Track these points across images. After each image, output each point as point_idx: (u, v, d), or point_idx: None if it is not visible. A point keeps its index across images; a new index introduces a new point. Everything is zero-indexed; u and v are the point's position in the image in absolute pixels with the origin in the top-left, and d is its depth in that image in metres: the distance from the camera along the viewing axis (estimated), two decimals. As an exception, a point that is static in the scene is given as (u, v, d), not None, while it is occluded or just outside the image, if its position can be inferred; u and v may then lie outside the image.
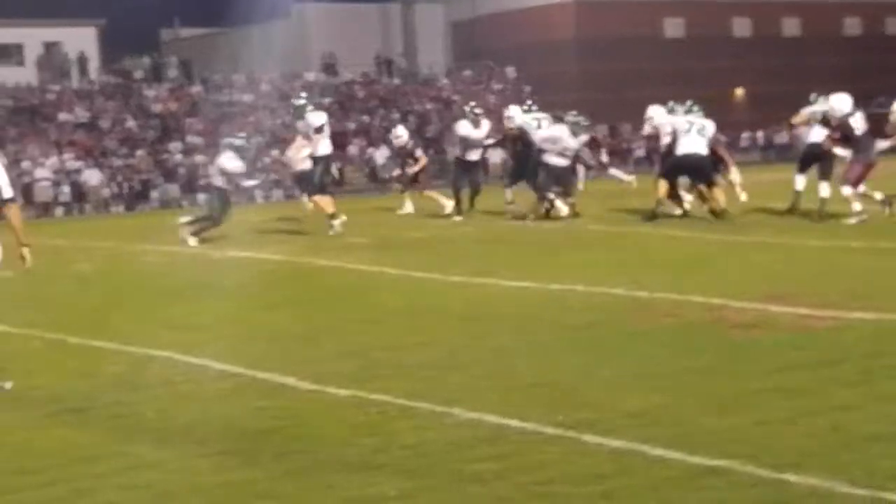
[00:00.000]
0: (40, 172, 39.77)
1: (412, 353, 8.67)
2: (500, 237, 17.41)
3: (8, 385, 8.23)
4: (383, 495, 5.41)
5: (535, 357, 8.29)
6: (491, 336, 9.21)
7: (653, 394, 6.98)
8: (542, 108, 24.29)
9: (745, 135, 56.30)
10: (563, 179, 19.90)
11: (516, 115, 22.17)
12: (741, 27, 67.70)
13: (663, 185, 18.85)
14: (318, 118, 19.89)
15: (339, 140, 47.75)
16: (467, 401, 7.00)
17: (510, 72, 58.60)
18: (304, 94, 23.75)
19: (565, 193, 19.82)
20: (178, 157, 43.05)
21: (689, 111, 19.32)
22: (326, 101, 51.98)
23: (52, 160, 40.87)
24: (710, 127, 18.96)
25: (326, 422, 6.75)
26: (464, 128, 22.50)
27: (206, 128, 46.51)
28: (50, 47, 52.92)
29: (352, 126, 49.76)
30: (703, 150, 18.76)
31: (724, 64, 62.22)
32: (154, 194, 41.21)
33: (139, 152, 42.37)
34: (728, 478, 5.38)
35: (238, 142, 19.26)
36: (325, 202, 19.39)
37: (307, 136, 19.78)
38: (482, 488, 5.43)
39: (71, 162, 41.04)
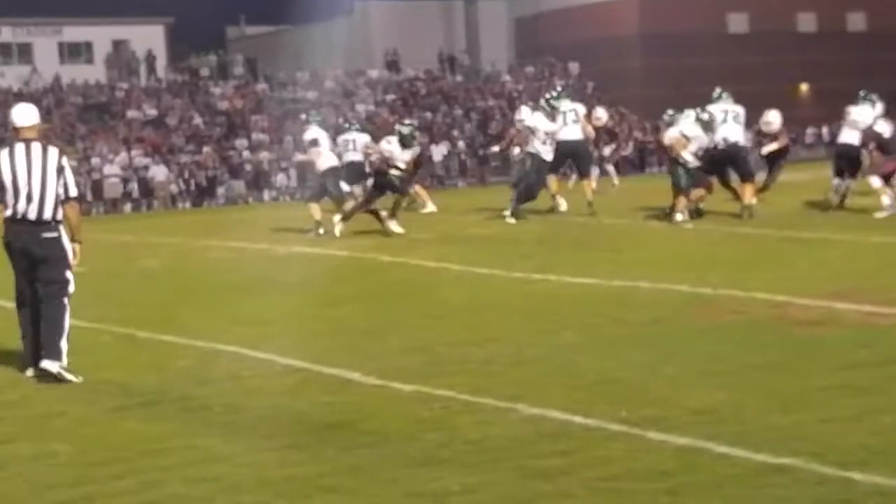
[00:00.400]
0: (109, 169, 40.24)
1: (476, 348, 8.70)
2: (563, 234, 17.38)
3: (78, 378, 8.38)
4: (447, 490, 5.44)
5: (598, 353, 8.29)
6: (554, 332, 9.22)
7: (717, 391, 6.95)
8: (606, 105, 23.97)
9: (810, 130, 55.71)
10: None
11: (527, 117, 22.05)
12: (806, 22, 66.94)
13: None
14: (311, 133, 20.31)
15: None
16: (531, 397, 7.02)
17: (573, 68, 58.42)
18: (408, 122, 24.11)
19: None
20: (245, 153, 43.37)
21: (718, 98, 19.21)
22: (389, 97, 52.24)
23: (121, 157, 41.32)
24: (742, 112, 18.90)
25: (391, 417, 6.80)
26: (538, 120, 21.66)
27: (270, 125, 46.87)
28: (118, 46, 53.56)
29: (414, 123, 49.81)
30: (740, 138, 18.74)
31: (788, 59, 61.59)
32: (220, 190, 41.55)
33: (206, 149, 42.72)
34: (793, 475, 5.36)
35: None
36: (315, 209, 19.50)
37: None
38: (546, 484, 5.45)
39: (139, 158, 41.48)
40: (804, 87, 65.97)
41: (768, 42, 63.13)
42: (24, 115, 8.75)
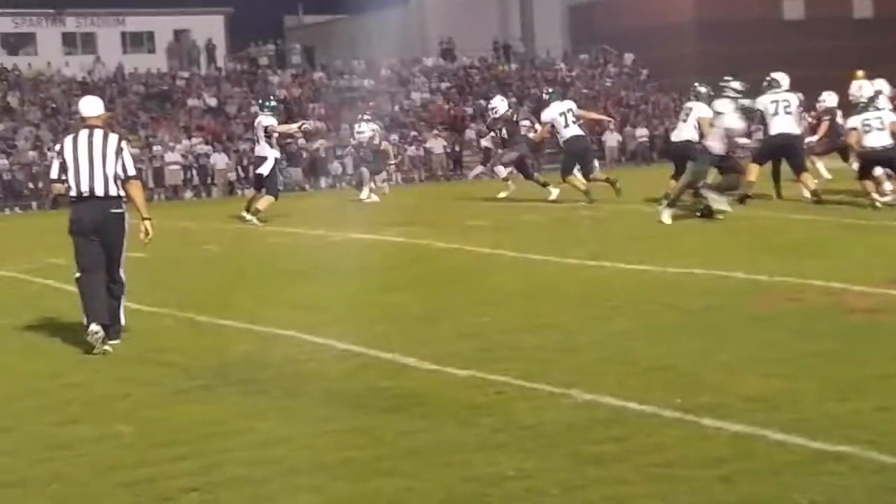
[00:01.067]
0: (170, 156, 40.63)
1: (530, 335, 8.73)
2: (617, 220, 17.35)
3: (108, 348, 8.99)
4: (502, 475, 5.48)
5: (652, 340, 8.29)
6: (608, 319, 9.23)
7: (772, 378, 6.93)
8: (659, 92, 23.95)
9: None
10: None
11: (500, 107, 22.91)
12: (862, 7, 66.15)
13: (755, 169, 18.74)
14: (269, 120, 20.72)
15: (456, 124, 48.05)
16: (585, 383, 7.05)
17: (627, 56, 58.20)
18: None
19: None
20: (301, 141, 43.58)
21: (768, 88, 19.17)
22: (444, 85, 52.28)
23: (182, 145, 41.71)
24: (794, 101, 18.88)
25: (446, 402, 6.85)
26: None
27: (327, 113, 47.07)
28: (179, 35, 54.22)
29: (469, 111, 49.85)
30: (794, 128, 18.82)
31: (844, 45, 60.89)
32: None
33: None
34: (850, 463, 5.33)
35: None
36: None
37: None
38: (601, 469, 5.48)
39: (199, 146, 41.84)
40: (860, 73, 65.20)
41: (824, 28, 62.48)
42: (91, 106, 9.80)
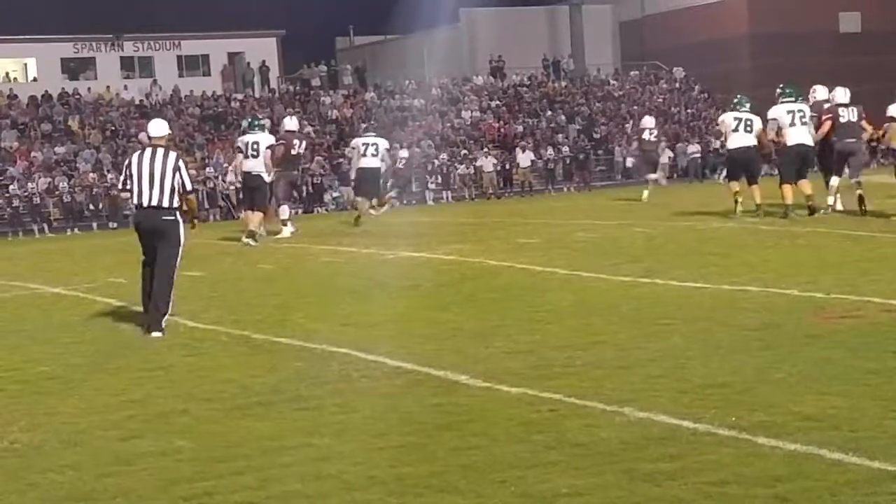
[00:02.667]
0: (226, 177, 41.06)
1: (582, 352, 8.71)
2: (671, 237, 17.29)
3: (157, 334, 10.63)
4: (555, 492, 5.46)
5: (707, 358, 8.23)
6: (662, 336, 9.18)
7: (829, 396, 6.85)
8: (712, 107, 24.03)
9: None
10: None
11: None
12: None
13: (806, 185, 18.98)
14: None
15: (507, 142, 48.10)
16: (639, 400, 7.02)
17: (678, 72, 58.05)
18: None
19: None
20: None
21: (782, 96, 19.60)
22: (494, 104, 52.38)
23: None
24: (808, 111, 19.46)
25: (499, 419, 6.84)
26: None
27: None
28: (233, 58, 55.01)
29: (519, 129, 49.91)
30: (807, 139, 19.17)
31: (899, 59, 60.37)
32: (327, 197, 42.02)
33: (317, 157, 43.26)
34: (911, 483, 5.24)
35: None
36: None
37: None
38: (655, 487, 5.44)
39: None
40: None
41: (881, 41, 61.99)
42: (157, 127, 11.72)
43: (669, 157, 46.20)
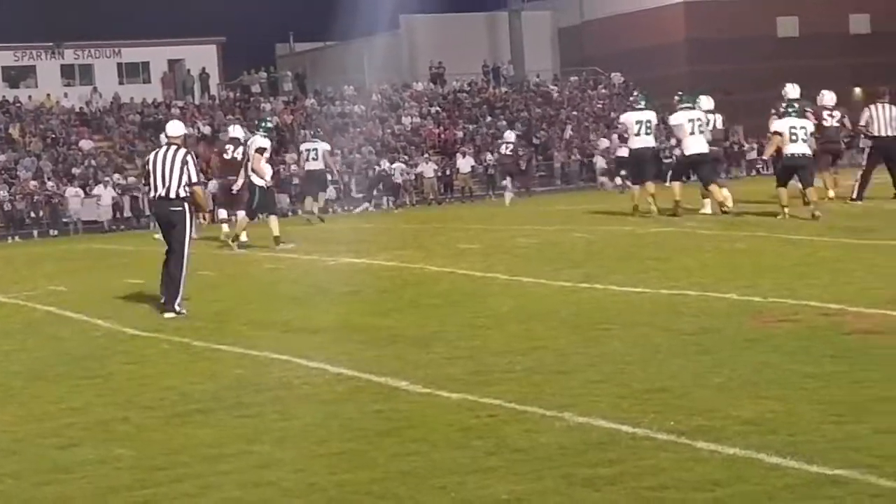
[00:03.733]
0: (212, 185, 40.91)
1: (522, 357, 8.72)
2: (610, 242, 17.36)
3: (185, 312, 12.03)
4: (495, 498, 5.47)
5: (646, 362, 8.27)
6: (601, 341, 9.22)
7: (768, 401, 6.88)
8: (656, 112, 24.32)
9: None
10: None
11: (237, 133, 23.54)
12: (859, 24, 66.30)
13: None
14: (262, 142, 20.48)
15: (447, 148, 48.16)
16: (578, 406, 7.03)
17: (616, 77, 58.43)
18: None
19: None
20: (293, 167, 43.73)
21: (680, 103, 20.75)
22: (434, 110, 52.46)
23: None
24: (714, 119, 20.94)
25: (439, 425, 6.84)
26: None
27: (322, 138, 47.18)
28: (173, 64, 54.91)
29: (459, 134, 50.00)
30: (703, 147, 20.27)
31: (840, 62, 61.13)
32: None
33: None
34: (847, 488, 5.26)
35: None
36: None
37: None
38: (594, 493, 5.45)
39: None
40: (857, 90, 65.34)
41: (819, 45, 62.60)
42: (173, 128, 13.16)
43: (607, 161, 46.42)
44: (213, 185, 22.20)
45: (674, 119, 20.82)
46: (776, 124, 19.43)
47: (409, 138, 49.42)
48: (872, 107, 21.23)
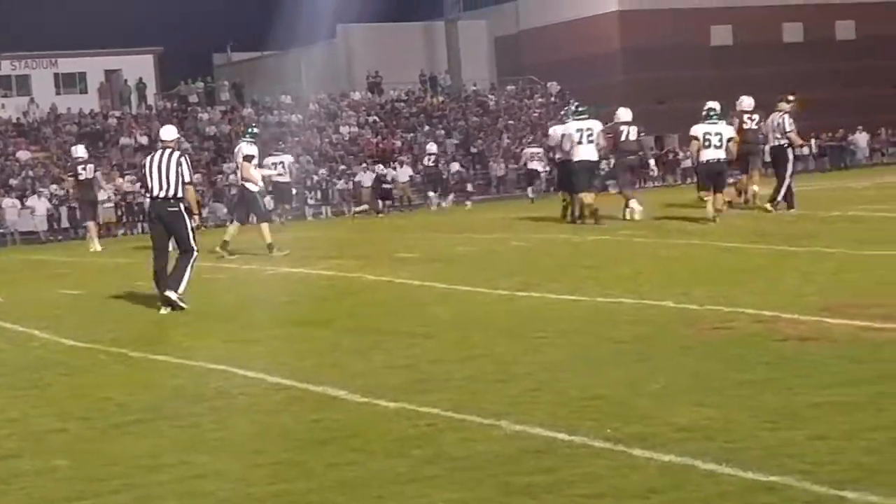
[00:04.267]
0: (102, 195, 40.40)
1: (460, 366, 8.73)
2: (547, 250, 17.44)
3: (187, 305, 12.84)
4: (433, 506, 5.48)
5: (583, 370, 8.31)
6: (538, 349, 9.25)
7: (704, 408, 6.92)
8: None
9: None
10: None
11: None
12: (792, 32, 67.06)
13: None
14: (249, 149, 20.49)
15: (385, 157, 48.13)
16: (516, 413, 7.05)
17: (552, 86, 58.73)
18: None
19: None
20: (231, 177, 43.54)
21: (576, 114, 22.03)
22: (372, 119, 52.45)
23: (115, 183, 41.64)
24: (596, 129, 21.71)
25: (377, 434, 6.83)
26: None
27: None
28: (110, 75, 54.62)
29: (397, 143, 50.02)
30: (592, 156, 21.39)
31: (774, 70, 61.82)
32: (203, 213, 41.65)
33: (195, 175, 42.92)
34: (784, 494, 5.29)
35: None
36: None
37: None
38: (531, 500, 5.47)
39: (130, 185, 41.74)
40: (791, 97, 66.02)
41: (753, 53, 63.25)
42: (167, 132, 13.77)
43: (546, 171, 46.59)
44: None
45: (564, 128, 22.03)
46: (692, 129, 20.47)
47: (347, 148, 49.35)
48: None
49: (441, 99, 56.34)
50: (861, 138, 55.91)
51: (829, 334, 9.05)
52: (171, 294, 12.92)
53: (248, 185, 20.12)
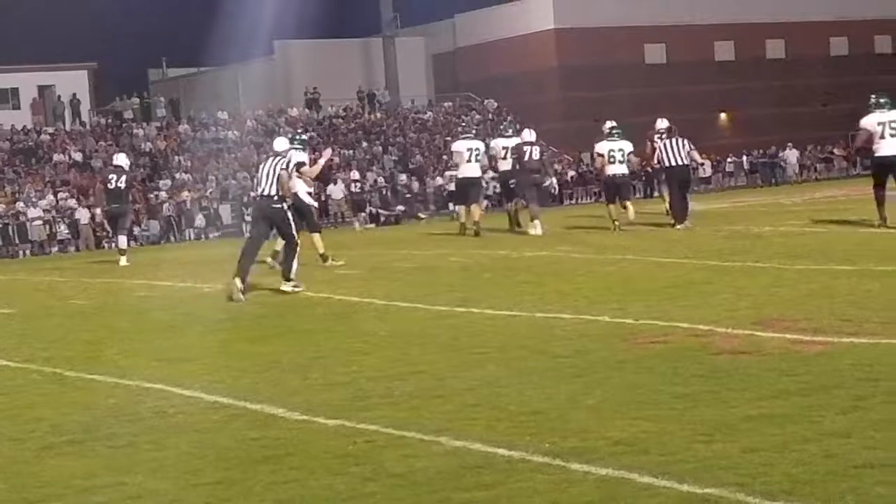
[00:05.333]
0: (33, 212, 40.04)
1: (399, 382, 8.74)
2: (486, 266, 17.49)
3: (301, 288, 15.01)
4: (374, 523, 5.48)
5: (522, 385, 8.35)
6: (478, 365, 9.27)
7: (640, 421, 6.99)
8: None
9: (730, 159, 56.38)
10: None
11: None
12: (724, 51, 67.92)
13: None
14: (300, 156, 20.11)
15: (322, 173, 48.00)
16: (455, 429, 7.07)
17: (489, 103, 58.98)
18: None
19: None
20: (163, 194, 43.25)
21: (507, 133, 24.82)
22: (310, 135, 52.34)
23: (47, 199, 41.20)
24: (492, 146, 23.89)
25: (316, 451, 6.82)
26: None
27: (193, 165, 46.75)
28: (44, 91, 53.97)
29: (335, 160, 49.89)
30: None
31: (707, 88, 62.54)
32: (136, 231, 41.31)
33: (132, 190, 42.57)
34: (718, 506, 5.35)
35: None
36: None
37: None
38: (471, 516, 5.50)
39: (64, 201, 41.33)
40: (723, 115, 66.85)
41: (687, 71, 63.94)
42: (280, 143, 16.16)
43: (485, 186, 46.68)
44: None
45: (455, 146, 24.97)
46: (597, 147, 22.12)
47: (285, 164, 49.13)
48: (660, 141, 22.86)
49: (379, 115, 56.35)
50: (791, 155, 56.89)
51: (762, 348, 9.16)
52: (285, 287, 15.13)
53: (302, 194, 19.80)
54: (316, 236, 19.30)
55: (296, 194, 19.54)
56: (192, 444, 7.26)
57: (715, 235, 19.66)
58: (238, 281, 14.73)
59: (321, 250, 19.19)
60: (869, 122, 18.91)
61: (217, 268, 19.76)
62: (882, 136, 18.65)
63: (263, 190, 15.32)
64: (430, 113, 57.98)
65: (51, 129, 49.78)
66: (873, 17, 69.89)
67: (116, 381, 9.64)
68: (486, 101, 59.25)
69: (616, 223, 22.02)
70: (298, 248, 15.51)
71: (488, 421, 7.28)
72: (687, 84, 61.65)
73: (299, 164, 19.49)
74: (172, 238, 41.17)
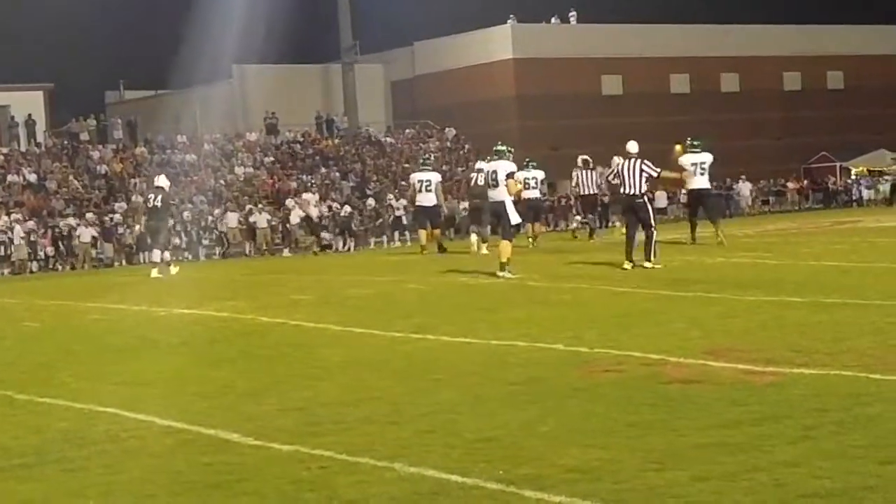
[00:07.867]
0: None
1: (354, 408, 8.75)
2: (442, 293, 17.53)
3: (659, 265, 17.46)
4: (327, 549, 5.49)
5: (476, 412, 8.38)
6: (432, 391, 9.30)
7: (592, 449, 7.03)
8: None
9: (685, 190, 56.60)
10: None
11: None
12: (679, 83, 68.56)
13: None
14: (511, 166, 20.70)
15: (280, 198, 47.95)
16: (409, 456, 7.09)
17: (449, 131, 59.16)
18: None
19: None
20: (117, 216, 42.97)
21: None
22: (268, 160, 52.23)
23: (1, 221, 40.87)
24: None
25: (269, 477, 6.81)
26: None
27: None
28: (-2, 111, 53.45)
29: (293, 185, 49.88)
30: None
31: (662, 120, 62.96)
32: (92, 253, 41.05)
33: (88, 214, 42.33)
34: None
35: None
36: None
37: None
38: (424, 541, 5.52)
39: (19, 224, 41.00)
40: (679, 147, 67.23)
41: (642, 103, 64.51)
42: (632, 146, 19.45)
43: (444, 213, 46.68)
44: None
45: (412, 178, 28.48)
46: (515, 175, 21.16)
47: (242, 188, 49.07)
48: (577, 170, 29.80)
49: (336, 141, 56.37)
50: (744, 187, 57.51)
51: (714, 377, 9.25)
52: (646, 264, 18.75)
53: (508, 203, 19.62)
54: (506, 244, 19.48)
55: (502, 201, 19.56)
56: (145, 468, 7.23)
57: (668, 265, 19.78)
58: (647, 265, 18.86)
59: (503, 258, 19.28)
60: (685, 161, 25.13)
61: (171, 291, 19.72)
62: (694, 174, 24.79)
63: (629, 188, 19.07)
64: (389, 139, 58.06)
65: (5, 150, 49.37)
66: (825, 54, 70.82)
67: (68, 405, 9.57)
68: (446, 130, 59.43)
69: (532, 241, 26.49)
70: (656, 235, 19.09)
71: (443, 447, 7.31)
72: (643, 115, 62.07)
73: (511, 174, 19.79)
74: (124, 262, 40.91)
